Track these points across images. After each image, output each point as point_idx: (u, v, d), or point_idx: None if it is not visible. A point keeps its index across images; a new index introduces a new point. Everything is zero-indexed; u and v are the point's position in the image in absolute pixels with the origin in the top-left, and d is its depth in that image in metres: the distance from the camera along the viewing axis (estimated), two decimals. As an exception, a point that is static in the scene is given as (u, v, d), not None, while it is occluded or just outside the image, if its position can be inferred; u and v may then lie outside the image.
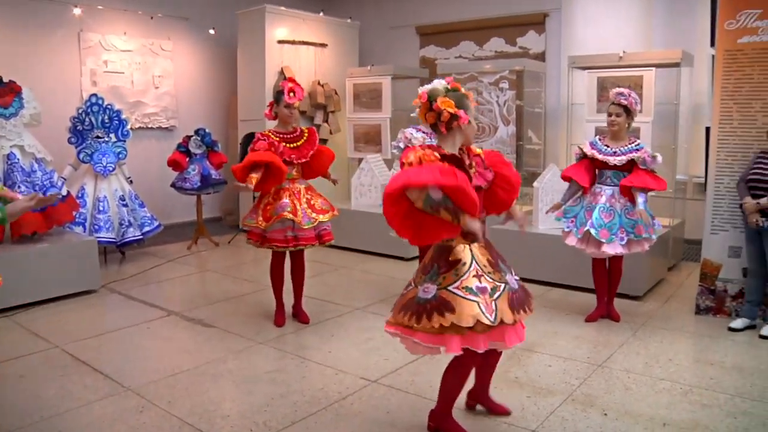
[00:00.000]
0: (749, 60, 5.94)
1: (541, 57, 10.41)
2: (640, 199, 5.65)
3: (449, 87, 3.56)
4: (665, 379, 4.76)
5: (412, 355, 5.16)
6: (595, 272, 6.14)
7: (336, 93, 11.01)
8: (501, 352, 4.00)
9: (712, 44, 6.54)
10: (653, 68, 7.59)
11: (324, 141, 10.58)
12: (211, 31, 11.22)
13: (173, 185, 9.48)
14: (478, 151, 3.75)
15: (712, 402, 4.36)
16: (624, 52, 7.88)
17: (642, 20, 8.67)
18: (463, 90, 3.61)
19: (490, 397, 4.22)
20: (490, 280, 3.49)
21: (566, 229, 5.99)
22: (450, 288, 3.45)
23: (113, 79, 10.18)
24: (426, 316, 3.45)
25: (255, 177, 5.47)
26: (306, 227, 5.66)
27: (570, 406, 4.32)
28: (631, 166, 5.75)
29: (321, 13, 11.19)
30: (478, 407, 4.24)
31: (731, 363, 5.07)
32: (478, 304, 3.39)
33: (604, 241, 5.66)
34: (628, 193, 5.73)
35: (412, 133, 6.00)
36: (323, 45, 11.09)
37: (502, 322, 3.42)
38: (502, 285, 3.52)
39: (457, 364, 3.71)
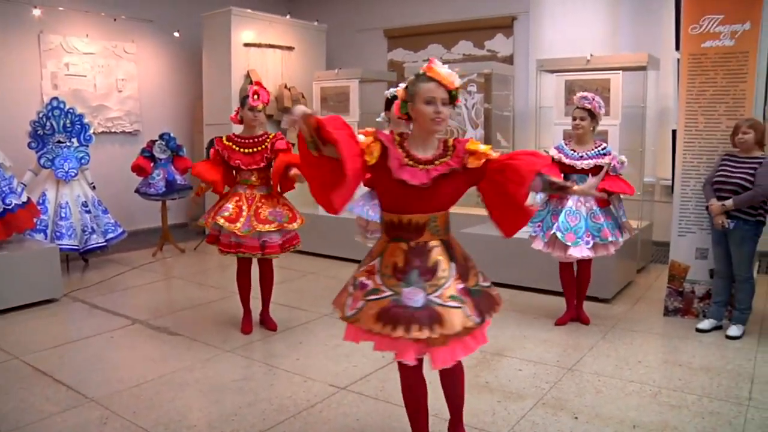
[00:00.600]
0: (713, 64, 6.03)
1: (509, 60, 10.50)
2: (621, 210, 5.77)
3: (420, 72, 3.30)
4: (635, 381, 4.81)
5: (381, 361, 5.20)
6: (563, 276, 6.19)
7: (303, 96, 10.99)
8: (451, 372, 3.43)
9: (677, 48, 6.61)
10: (620, 71, 7.67)
11: (291, 145, 10.55)
12: (176, 34, 11.19)
13: (137, 191, 9.41)
14: (474, 147, 3.29)
15: (680, 403, 4.41)
16: (591, 55, 7.94)
17: (609, 24, 8.76)
18: (436, 69, 3.24)
19: None
20: (378, 282, 3.22)
21: (533, 233, 6.03)
22: (354, 275, 3.39)
23: (75, 82, 10.11)
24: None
25: (203, 187, 5.87)
26: (241, 234, 5.53)
27: (541, 410, 4.35)
28: (597, 170, 5.78)
29: (287, 16, 11.21)
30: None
31: (699, 364, 5.13)
32: (349, 296, 3.31)
33: (569, 244, 5.70)
34: (601, 198, 5.78)
35: None
36: (290, 48, 11.09)
37: (357, 321, 3.18)
38: (388, 293, 3.16)
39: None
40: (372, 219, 5.97)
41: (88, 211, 8.40)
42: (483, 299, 3.31)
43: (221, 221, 5.51)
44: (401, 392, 3.54)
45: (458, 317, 3.12)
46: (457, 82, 3.27)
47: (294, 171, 5.61)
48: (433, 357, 3.14)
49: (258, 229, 5.55)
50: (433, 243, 3.28)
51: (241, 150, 5.70)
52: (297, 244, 5.88)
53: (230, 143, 5.72)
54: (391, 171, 3.17)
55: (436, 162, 3.23)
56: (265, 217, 5.64)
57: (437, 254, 3.26)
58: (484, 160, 3.26)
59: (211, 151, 5.73)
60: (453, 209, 3.38)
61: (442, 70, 3.23)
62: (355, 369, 5.10)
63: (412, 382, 3.47)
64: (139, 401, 4.54)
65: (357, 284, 3.29)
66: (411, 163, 3.21)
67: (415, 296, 3.12)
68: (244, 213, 5.59)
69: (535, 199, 6.04)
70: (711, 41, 6.01)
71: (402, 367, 3.38)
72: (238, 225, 5.52)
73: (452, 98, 3.27)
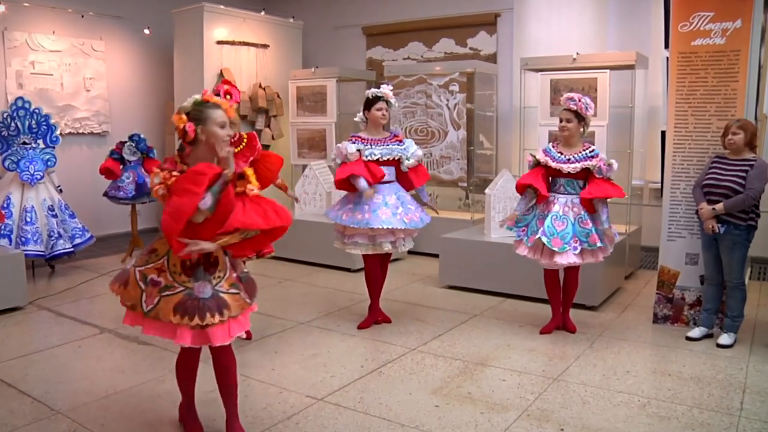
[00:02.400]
0: (703, 63, 6.06)
1: (492, 58, 10.51)
2: (603, 216, 5.78)
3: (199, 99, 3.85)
4: (623, 391, 4.82)
5: (359, 371, 5.19)
6: (548, 282, 6.17)
7: (278, 96, 10.99)
8: (224, 358, 4.03)
9: (667, 46, 6.64)
10: (607, 70, 7.71)
11: (266, 147, 10.51)
12: (146, 31, 11.09)
13: (106, 194, 9.33)
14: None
15: (670, 414, 4.42)
16: (578, 53, 7.98)
17: (596, 21, 8.80)
18: (216, 100, 3.85)
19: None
20: (170, 279, 3.78)
21: (517, 238, 6.03)
22: (137, 268, 3.84)
23: (41, 81, 10.02)
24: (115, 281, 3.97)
25: None
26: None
27: (525, 422, 4.34)
28: (585, 173, 5.81)
29: (262, 12, 11.18)
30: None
31: (689, 373, 5.15)
32: (143, 292, 3.78)
33: (556, 249, 5.68)
34: (587, 203, 5.78)
35: (347, 147, 6.01)
36: (265, 46, 11.07)
37: (157, 316, 3.74)
38: (180, 288, 3.76)
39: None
40: (346, 224, 5.98)
41: (55, 216, 8.34)
42: (249, 284, 4.08)
43: None
44: (176, 366, 4.17)
45: (238, 301, 3.89)
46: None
47: (292, 193, 6.28)
48: (213, 336, 3.75)
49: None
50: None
51: None
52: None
53: None
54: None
55: None
56: None
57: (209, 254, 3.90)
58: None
59: None
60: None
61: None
62: (332, 379, 5.09)
63: (189, 359, 4.13)
64: (108, 413, 4.50)
65: (149, 281, 3.80)
66: None
67: (204, 289, 3.78)
68: None
69: (519, 205, 6.06)
70: (701, 39, 6.04)
71: (184, 349, 4.02)
72: None
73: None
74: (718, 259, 5.78)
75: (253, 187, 3.88)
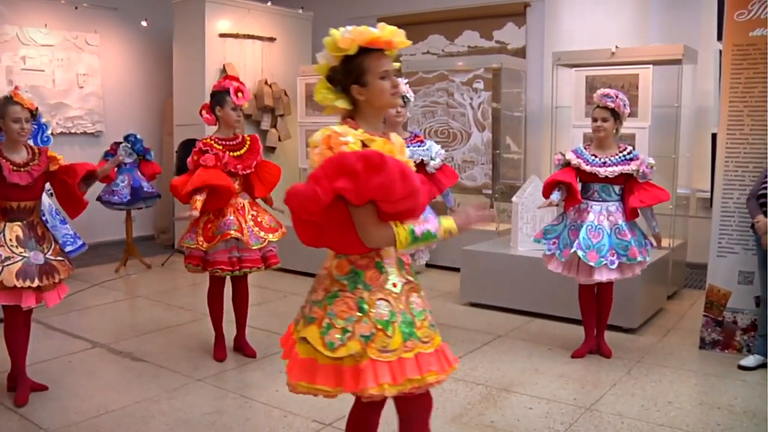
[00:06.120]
0: (762, 56, 5.91)
1: (521, 53, 10.48)
2: (653, 221, 5.74)
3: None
4: (664, 424, 4.71)
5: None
6: (582, 300, 6.05)
7: (286, 94, 11.00)
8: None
9: (719, 38, 6.54)
10: (650, 66, 7.63)
11: (272, 149, 10.49)
12: (144, 23, 11.19)
13: (99, 199, 9.32)
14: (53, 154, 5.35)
15: (719, 452, 4.31)
16: (617, 47, 7.90)
17: (638, 11, 8.71)
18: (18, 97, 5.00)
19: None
20: (9, 251, 4.81)
21: (547, 252, 5.91)
22: None
23: (32, 77, 10.11)
24: None
25: (200, 200, 5.45)
26: (254, 247, 5.60)
27: (555, 457, 4.26)
28: (623, 178, 5.71)
29: (269, 3, 11.19)
30: None
31: (741, 407, 5.02)
32: None
33: (592, 264, 5.57)
34: (632, 211, 5.71)
35: None
36: (271, 39, 11.09)
37: (2, 284, 4.72)
38: (20, 258, 4.82)
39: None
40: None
41: (45, 221, 8.24)
42: (67, 255, 5.44)
43: (237, 234, 5.50)
44: (5, 333, 5.11)
45: (65, 266, 5.15)
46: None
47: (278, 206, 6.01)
48: (47, 299, 4.99)
49: (268, 239, 5.71)
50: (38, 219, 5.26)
51: (232, 154, 5.68)
52: None
53: (221, 147, 5.65)
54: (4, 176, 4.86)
55: (31, 164, 5.09)
56: (269, 225, 5.80)
57: (43, 227, 5.28)
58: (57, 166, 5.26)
59: (209, 157, 5.55)
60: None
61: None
62: (341, 403, 4.91)
63: (17, 327, 5.10)
64: (99, 434, 4.55)
65: None
66: (15, 168, 4.94)
67: (38, 256, 4.95)
68: (244, 224, 5.62)
69: (551, 198, 5.88)
70: (761, 29, 5.90)
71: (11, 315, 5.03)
72: (246, 237, 5.58)
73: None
74: (777, 278, 5.63)
75: None
